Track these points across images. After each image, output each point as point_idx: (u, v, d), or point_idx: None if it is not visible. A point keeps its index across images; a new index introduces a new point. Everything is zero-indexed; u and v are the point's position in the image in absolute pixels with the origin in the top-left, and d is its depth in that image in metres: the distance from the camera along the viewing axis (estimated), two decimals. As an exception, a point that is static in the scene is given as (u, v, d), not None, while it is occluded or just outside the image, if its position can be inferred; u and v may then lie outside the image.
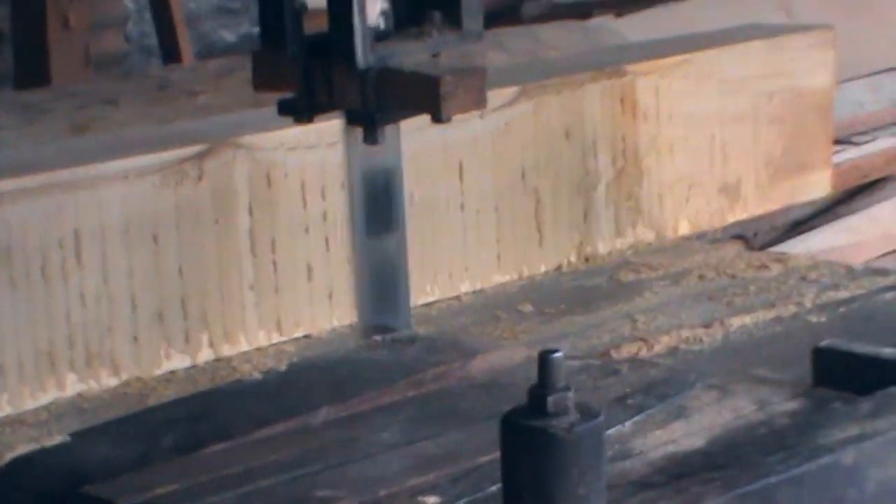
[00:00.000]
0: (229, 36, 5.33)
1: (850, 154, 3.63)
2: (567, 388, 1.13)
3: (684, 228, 2.11)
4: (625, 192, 2.08)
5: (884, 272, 1.87)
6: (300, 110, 1.46)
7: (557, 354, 1.14)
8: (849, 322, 1.67)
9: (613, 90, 2.03)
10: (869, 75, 4.16)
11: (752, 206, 2.17)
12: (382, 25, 1.45)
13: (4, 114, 2.34)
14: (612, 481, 1.15)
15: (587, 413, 1.11)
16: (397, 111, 1.42)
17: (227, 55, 3.89)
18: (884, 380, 1.35)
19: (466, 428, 1.39)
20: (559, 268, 1.98)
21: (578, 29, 2.89)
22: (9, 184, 1.63)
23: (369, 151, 1.51)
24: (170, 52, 3.96)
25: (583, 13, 4.14)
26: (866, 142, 3.75)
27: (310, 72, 1.43)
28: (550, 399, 1.11)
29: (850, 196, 3.57)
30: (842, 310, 1.70)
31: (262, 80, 1.48)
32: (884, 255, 3.18)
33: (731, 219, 2.13)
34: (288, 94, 1.48)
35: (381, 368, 1.61)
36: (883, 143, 3.61)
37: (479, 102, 1.42)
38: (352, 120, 1.43)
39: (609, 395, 1.35)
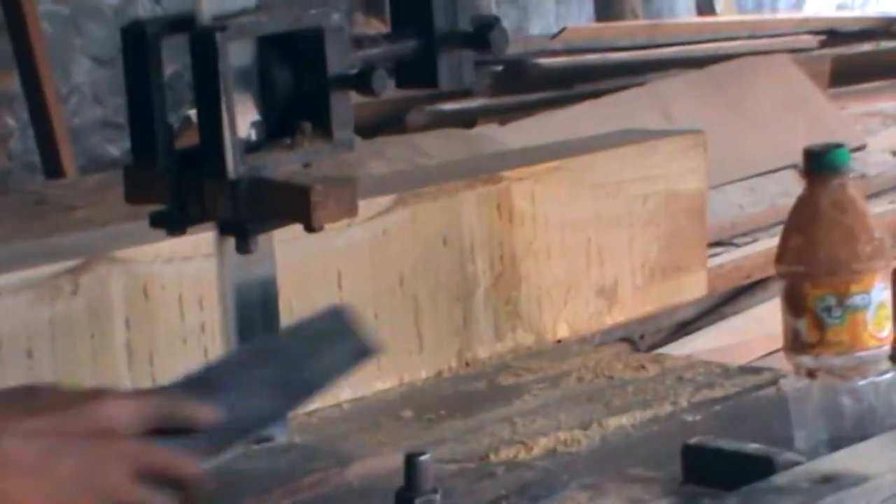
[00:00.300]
0: (114, 150, 5.33)
1: (732, 255, 3.69)
2: (434, 491, 1.13)
3: (563, 332, 2.08)
4: (503, 296, 2.05)
5: (756, 371, 1.87)
6: (172, 223, 1.42)
7: (424, 457, 1.14)
8: (722, 420, 1.66)
9: (490, 196, 2.02)
10: (747, 178, 4.24)
11: (630, 308, 2.16)
12: (254, 136, 1.42)
13: None
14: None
15: None
16: (269, 220, 1.40)
17: (111, 170, 3.86)
18: (749, 474, 1.36)
19: None
20: (439, 373, 1.94)
21: (459, 137, 2.91)
22: None
23: (243, 262, 1.47)
24: (53, 168, 3.90)
25: (467, 122, 4.20)
26: (747, 243, 3.81)
27: (181, 184, 1.39)
28: (417, 501, 1.12)
29: (734, 296, 3.63)
30: (716, 408, 1.69)
31: (135, 193, 1.44)
32: (768, 354, 3.20)
33: (609, 321, 2.10)
34: (161, 207, 1.45)
35: (257, 477, 1.56)
36: (763, 244, 3.66)
37: (351, 211, 1.41)
38: (224, 230, 1.40)
39: (484, 497, 1.33)
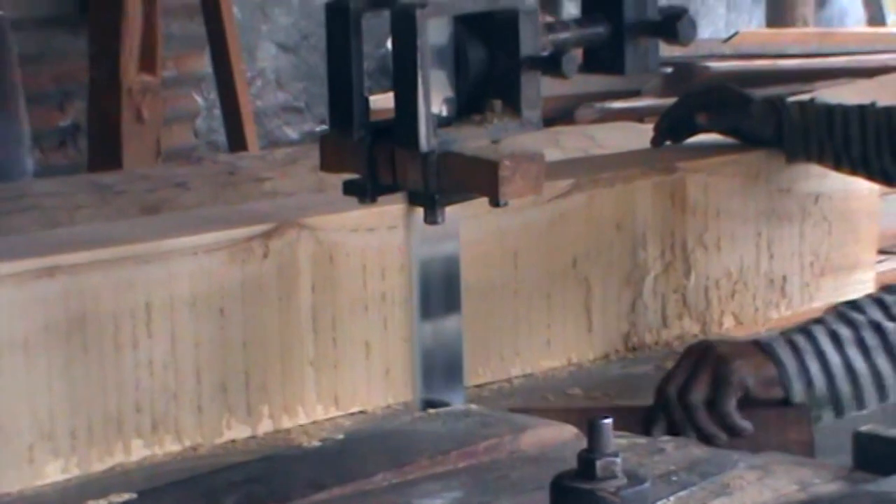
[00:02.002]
0: (293, 133, 5.60)
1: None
2: (615, 454, 1.18)
3: (729, 322, 2.14)
4: (672, 284, 2.12)
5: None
6: (364, 191, 1.53)
7: (607, 420, 1.19)
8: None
9: (664, 185, 2.09)
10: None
11: (797, 303, 2.20)
12: (445, 112, 1.53)
13: (81, 194, 2.43)
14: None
15: (634, 479, 1.15)
16: (456, 193, 1.49)
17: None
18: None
19: (516, 497, 1.43)
20: (607, 355, 2.02)
21: (633, 129, 2.96)
22: (84, 256, 1.72)
23: (430, 238, 1.59)
24: (237, 146, 4.23)
25: (635, 118, 4.30)
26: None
27: (374, 155, 1.50)
28: (599, 463, 1.16)
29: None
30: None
31: (330, 163, 1.55)
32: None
33: (776, 315, 2.17)
34: (353, 176, 1.55)
35: (434, 439, 1.64)
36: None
37: (536, 188, 1.48)
38: (413, 201, 1.49)
39: (654, 471, 1.39)
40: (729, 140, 2.22)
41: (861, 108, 2.06)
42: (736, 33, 5.48)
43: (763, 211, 2.15)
